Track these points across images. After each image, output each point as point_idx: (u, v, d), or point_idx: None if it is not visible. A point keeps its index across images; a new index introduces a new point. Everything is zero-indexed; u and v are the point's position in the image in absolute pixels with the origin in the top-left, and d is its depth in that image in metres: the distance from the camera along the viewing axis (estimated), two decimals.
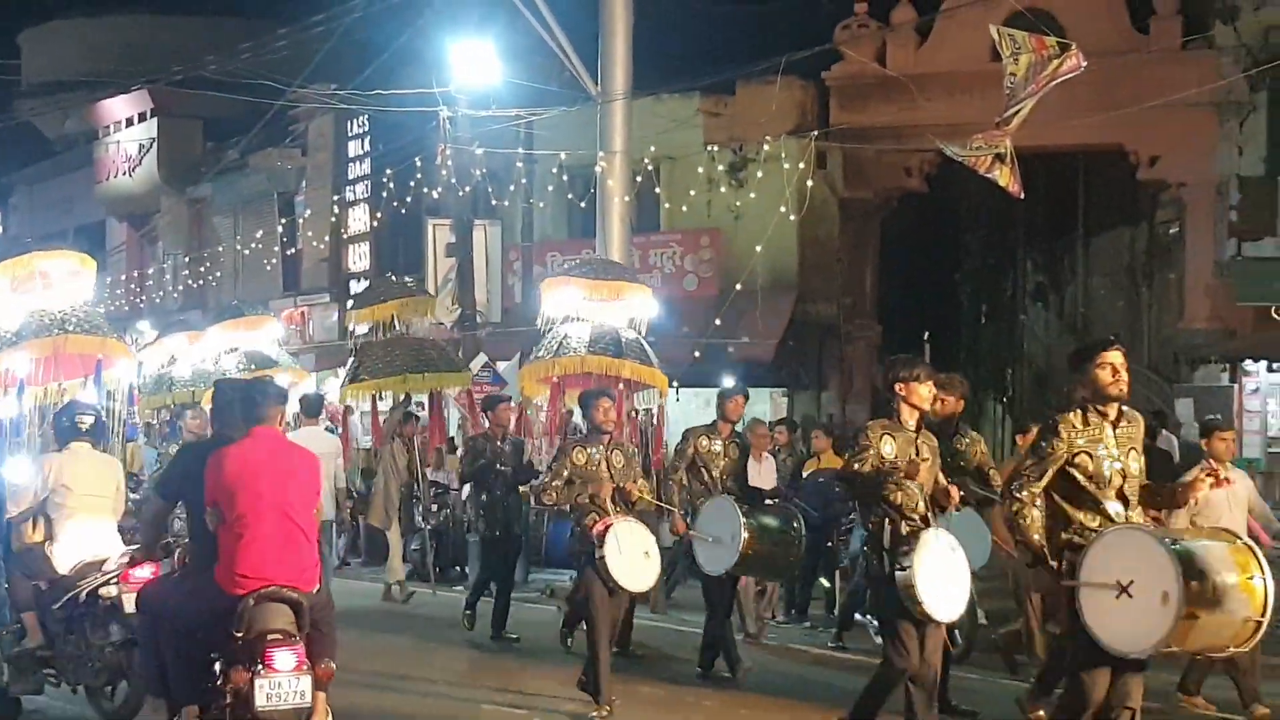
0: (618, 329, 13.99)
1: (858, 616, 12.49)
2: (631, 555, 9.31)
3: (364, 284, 26.96)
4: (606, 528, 9.27)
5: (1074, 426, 6.58)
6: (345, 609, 9.60)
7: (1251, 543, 6.30)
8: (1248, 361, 19.18)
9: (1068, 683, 6.67)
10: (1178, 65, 20.52)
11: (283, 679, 6.62)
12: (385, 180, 23.46)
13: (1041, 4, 19.77)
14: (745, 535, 9.99)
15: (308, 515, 6.96)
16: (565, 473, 9.64)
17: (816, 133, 21.07)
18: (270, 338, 17.78)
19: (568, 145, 20.88)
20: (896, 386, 7.72)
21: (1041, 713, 8.49)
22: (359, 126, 27.70)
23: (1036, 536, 6.54)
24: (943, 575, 7.48)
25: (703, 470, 10.61)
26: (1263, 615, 6.02)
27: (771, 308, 22.19)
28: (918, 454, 7.64)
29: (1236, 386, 19.63)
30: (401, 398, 16.50)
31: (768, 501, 11.00)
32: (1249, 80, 20.05)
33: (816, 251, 23.06)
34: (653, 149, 20.91)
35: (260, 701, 6.57)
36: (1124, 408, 6.67)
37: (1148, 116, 19.57)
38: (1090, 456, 6.53)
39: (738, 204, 22.91)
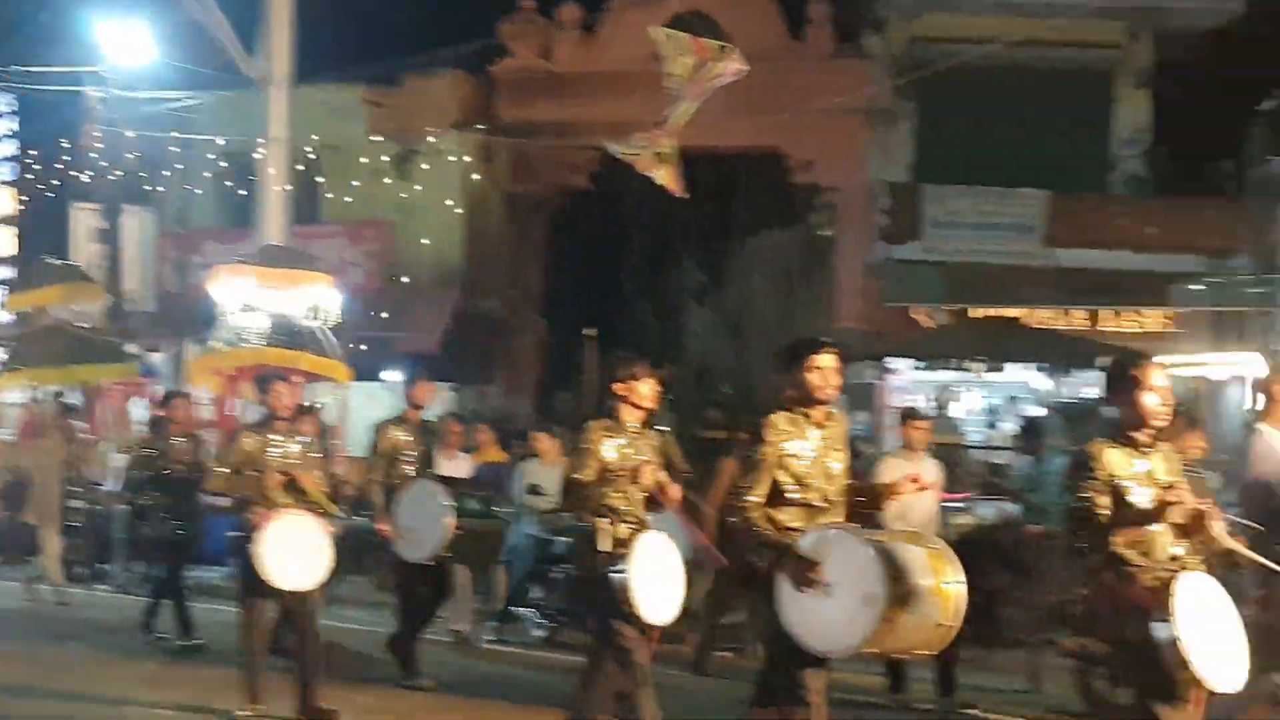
0: (296, 319, 13.63)
1: (520, 611, 12.57)
2: (297, 550, 8.78)
3: (6, 269, 25.65)
4: (266, 521, 8.73)
5: (779, 429, 6.46)
6: None
7: (944, 546, 6.33)
8: (893, 359, 20.00)
9: (768, 680, 6.48)
10: (830, 72, 21.28)
11: None
12: (29, 161, 22.35)
13: (703, 7, 20.24)
14: (449, 519, 9.78)
15: None
16: (234, 460, 9.05)
17: (483, 127, 21.06)
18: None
19: (227, 131, 20.26)
20: (617, 386, 7.59)
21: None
22: (2, 105, 26.28)
23: (775, 535, 6.36)
24: (658, 578, 7.43)
25: (397, 462, 10.27)
26: (953, 621, 6.08)
27: (437, 301, 22.05)
28: (638, 455, 7.50)
29: (882, 383, 20.45)
30: (56, 390, 15.69)
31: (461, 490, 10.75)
32: (897, 89, 20.97)
33: (483, 246, 23.03)
34: (315, 138, 20.49)
35: None
36: (830, 409, 6.58)
37: (802, 122, 20.28)
38: (795, 459, 6.43)
39: (404, 197, 22.67)
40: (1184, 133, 21.38)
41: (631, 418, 7.60)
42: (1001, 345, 19.07)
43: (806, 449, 6.46)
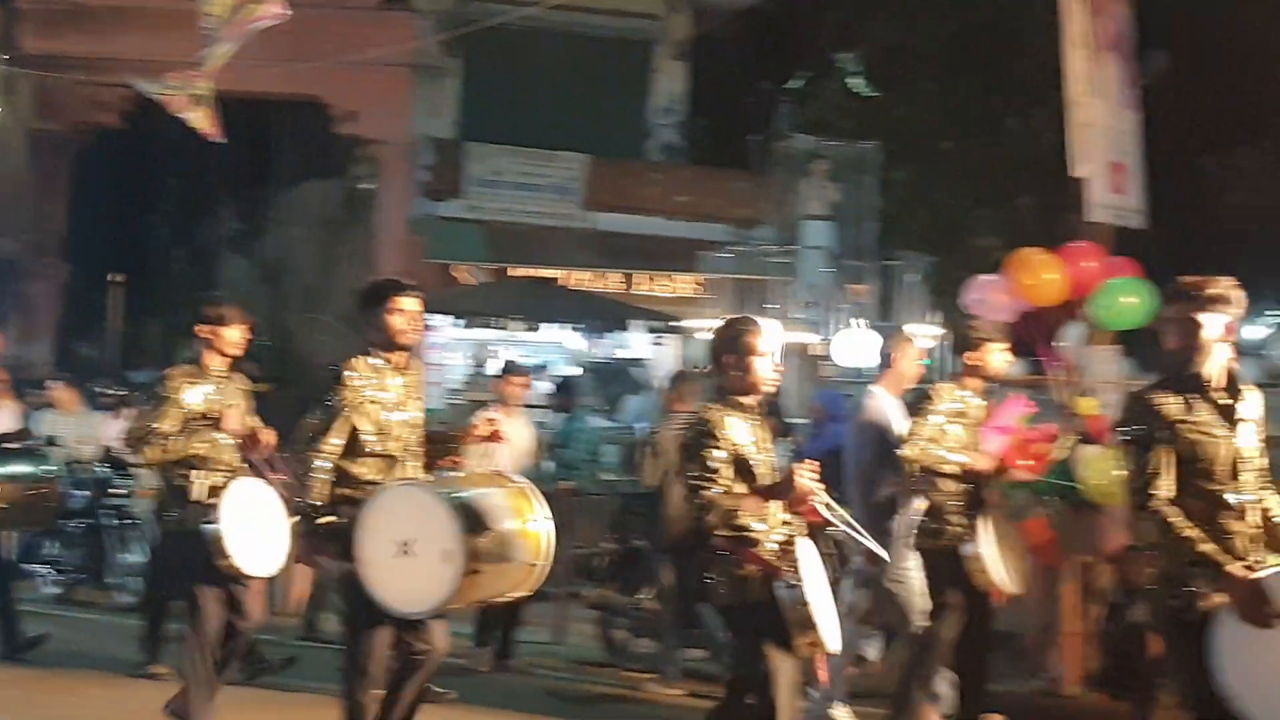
0: None
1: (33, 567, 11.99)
2: None
3: None
4: None
5: (361, 374, 6.17)
6: None
7: (528, 484, 6.17)
8: (432, 316, 20.06)
9: (348, 645, 6.19)
10: (377, 24, 21.02)
11: None
12: None
13: None
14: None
15: None
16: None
17: (6, 57, 19.80)
18: None
19: None
20: (202, 329, 7.24)
21: None
22: None
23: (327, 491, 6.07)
24: (256, 527, 7.04)
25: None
26: (543, 560, 5.96)
27: None
28: (226, 401, 7.19)
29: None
30: None
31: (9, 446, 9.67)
32: (444, 45, 20.95)
33: (1, 184, 21.67)
34: None
35: None
36: (411, 356, 6.35)
37: (347, 72, 19.97)
38: (376, 406, 6.15)
39: None
40: (717, 105, 22.32)
41: (217, 363, 7.28)
42: (539, 305, 19.45)
43: (387, 397, 6.21)
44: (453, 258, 21.07)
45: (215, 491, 7.04)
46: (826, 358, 18.04)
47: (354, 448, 6.14)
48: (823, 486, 5.64)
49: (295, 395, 19.27)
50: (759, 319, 6.16)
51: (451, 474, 6.57)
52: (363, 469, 6.15)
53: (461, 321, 19.78)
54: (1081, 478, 8.06)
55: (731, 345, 5.86)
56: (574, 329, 21.01)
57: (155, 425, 7.05)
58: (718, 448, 5.65)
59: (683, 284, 21.63)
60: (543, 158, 21.08)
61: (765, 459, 5.82)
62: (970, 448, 7.42)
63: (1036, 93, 17.26)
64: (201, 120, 13.66)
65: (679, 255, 20.88)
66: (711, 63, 22.23)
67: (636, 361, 21.00)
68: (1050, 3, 10.62)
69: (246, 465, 7.31)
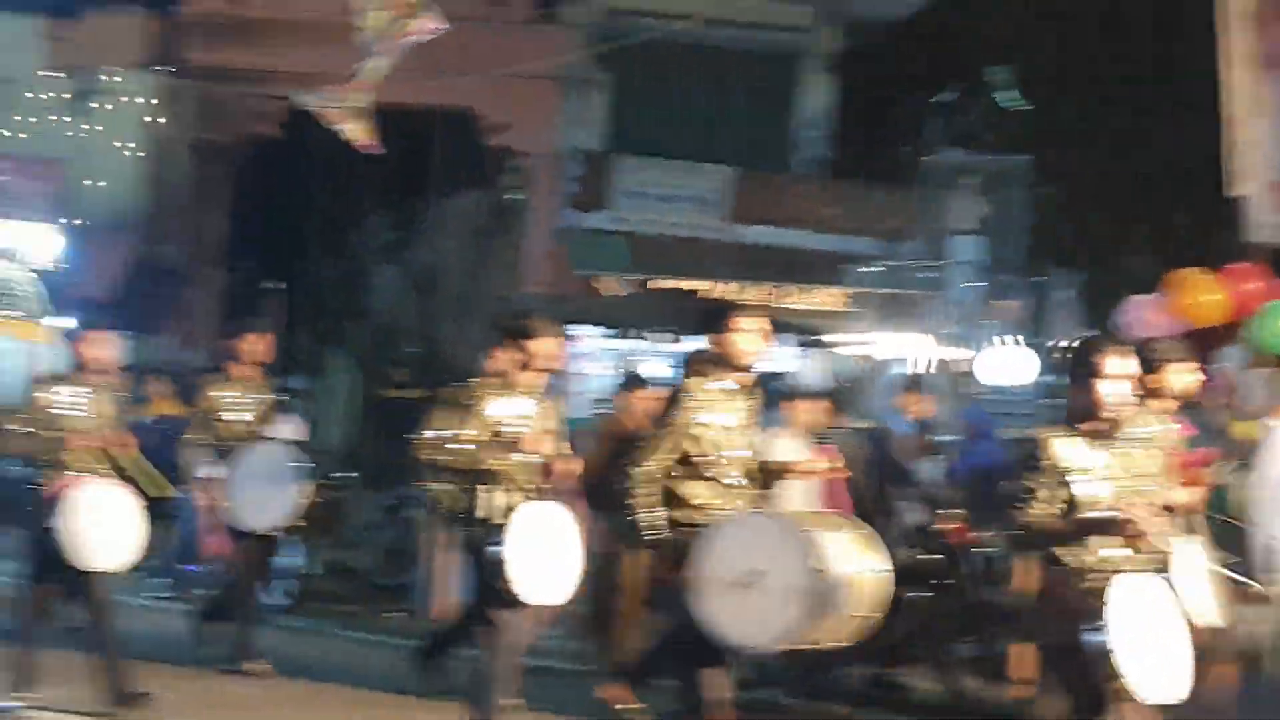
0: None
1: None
2: (103, 524, 7.59)
3: None
4: (68, 490, 7.52)
5: (697, 395, 5.94)
6: None
7: (871, 531, 5.89)
8: (577, 326, 20.20)
9: (682, 677, 5.97)
10: (528, 37, 21.29)
11: None
12: None
13: None
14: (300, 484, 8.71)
15: None
16: (30, 417, 7.77)
17: (169, 68, 20.36)
18: None
19: None
20: (508, 341, 7.00)
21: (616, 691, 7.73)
22: None
23: (652, 514, 5.84)
24: (544, 553, 6.69)
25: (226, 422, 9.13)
26: (873, 611, 5.73)
27: (115, 246, 21.26)
28: (530, 419, 6.93)
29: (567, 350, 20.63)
30: None
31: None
32: (593, 58, 21.12)
33: (163, 191, 22.27)
34: None
35: None
36: (752, 378, 6.08)
37: (499, 85, 20.25)
38: (710, 429, 5.90)
39: (80, 136, 21.71)
40: (865, 118, 22.19)
41: (525, 378, 6.92)
42: (684, 317, 19.48)
43: (724, 420, 5.92)
44: (598, 269, 21.20)
45: (503, 513, 6.71)
46: (974, 374, 17.87)
47: (686, 469, 5.88)
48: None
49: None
50: (1112, 341, 5.62)
51: (801, 508, 6.48)
52: (694, 491, 5.89)
53: (606, 332, 19.91)
54: (1238, 503, 7.88)
55: (1078, 366, 5.37)
56: None
57: (453, 434, 6.73)
58: (1041, 470, 5.18)
59: (829, 298, 21.52)
60: (689, 170, 21.14)
61: (1100, 486, 5.25)
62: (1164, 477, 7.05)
63: (1191, 108, 16.93)
64: (358, 132, 13.96)
65: (825, 269, 20.80)
66: (860, 75, 22.13)
67: (781, 375, 20.95)
68: (1207, 19, 10.42)
69: (544, 488, 6.95)
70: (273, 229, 25.21)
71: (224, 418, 9.08)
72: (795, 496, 7.73)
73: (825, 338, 19.78)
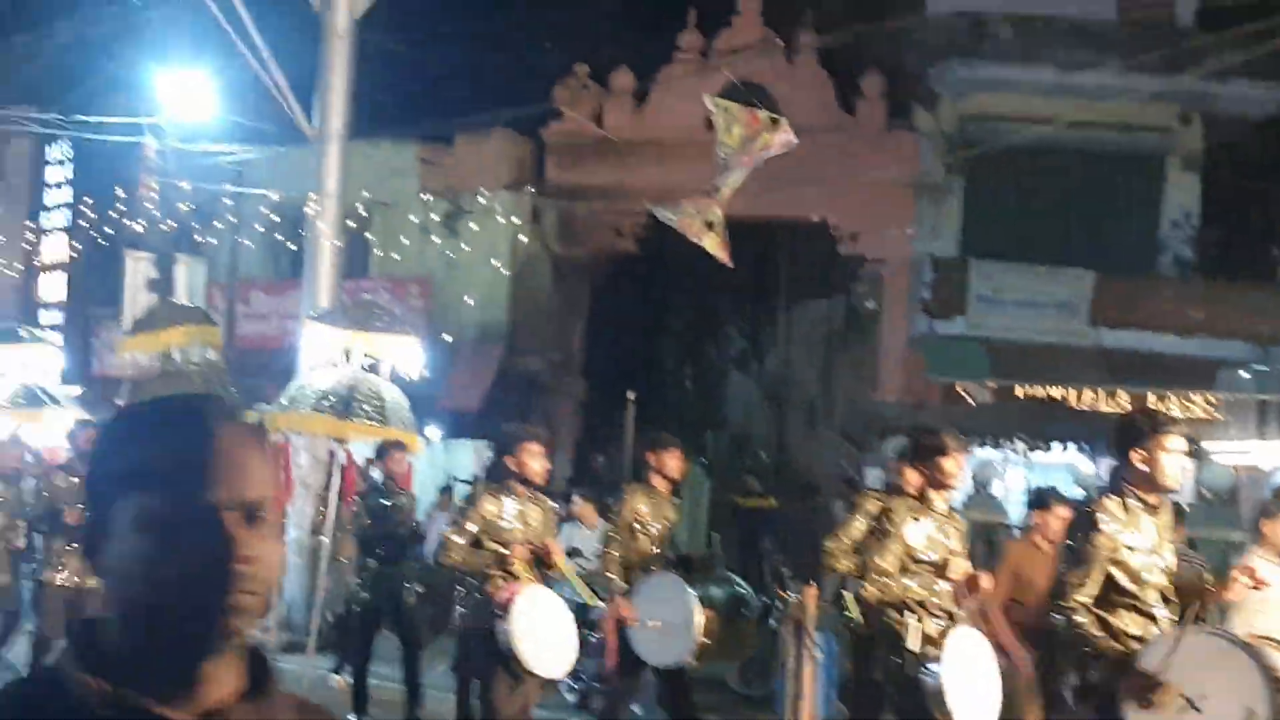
0: (363, 381, 13.06)
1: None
2: (545, 632, 7.73)
3: (56, 315, 25.93)
4: (513, 595, 7.63)
5: (1115, 517, 5.69)
6: None
7: None
8: None
9: None
10: (880, 146, 21.36)
11: None
12: (84, 209, 22.62)
13: (755, 78, 20.35)
14: (700, 618, 8.30)
15: None
16: (472, 527, 7.93)
17: (532, 188, 21.22)
18: (44, 367, 16.17)
19: (279, 185, 20.48)
20: (919, 460, 6.91)
21: None
22: (60, 152, 26.68)
23: (1102, 638, 5.56)
24: (973, 679, 6.51)
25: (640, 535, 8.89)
26: None
27: (480, 359, 22.15)
28: (947, 541, 6.78)
29: None
30: None
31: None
32: (946, 165, 21.01)
33: (527, 305, 23.13)
34: (366, 194, 20.66)
35: None
36: (1165, 497, 5.86)
37: (850, 193, 20.33)
38: (1131, 551, 5.67)
39: (450, 254, 22.83)
40: (1232, 216, 21.34)
41: (939, 497, 6.75)
42: (1045, 425, 18.97)
43: (1141, 541, 5.68)
44: (955, 376, 20.90)
45: (931, 640, 6.55)
46: None
47: (1109, 597, 5.65)
48: None
49: (797, 512, 19.59)
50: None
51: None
52: (1121, 620, 5.64)
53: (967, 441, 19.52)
54: None
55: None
56: (1079, 450, 20.38)
57: (879, 561, 6.57)
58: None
59: (1198, 404, 20.63)
60: (1047, 275, 20.70)
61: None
62: None
63: None
64: (714, 244, 14.15)
65: (1194, 374, 19.96)
66: (1225, 173, 21.31)
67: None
68: None
69: (963, 612, 6.78)
70: (630, 340, 25.85)
71: (637, 531, 8.90)
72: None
73: (1196, 445, 18.93)
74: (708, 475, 27.78)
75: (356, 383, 12.97)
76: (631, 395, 21.73)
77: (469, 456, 22.64)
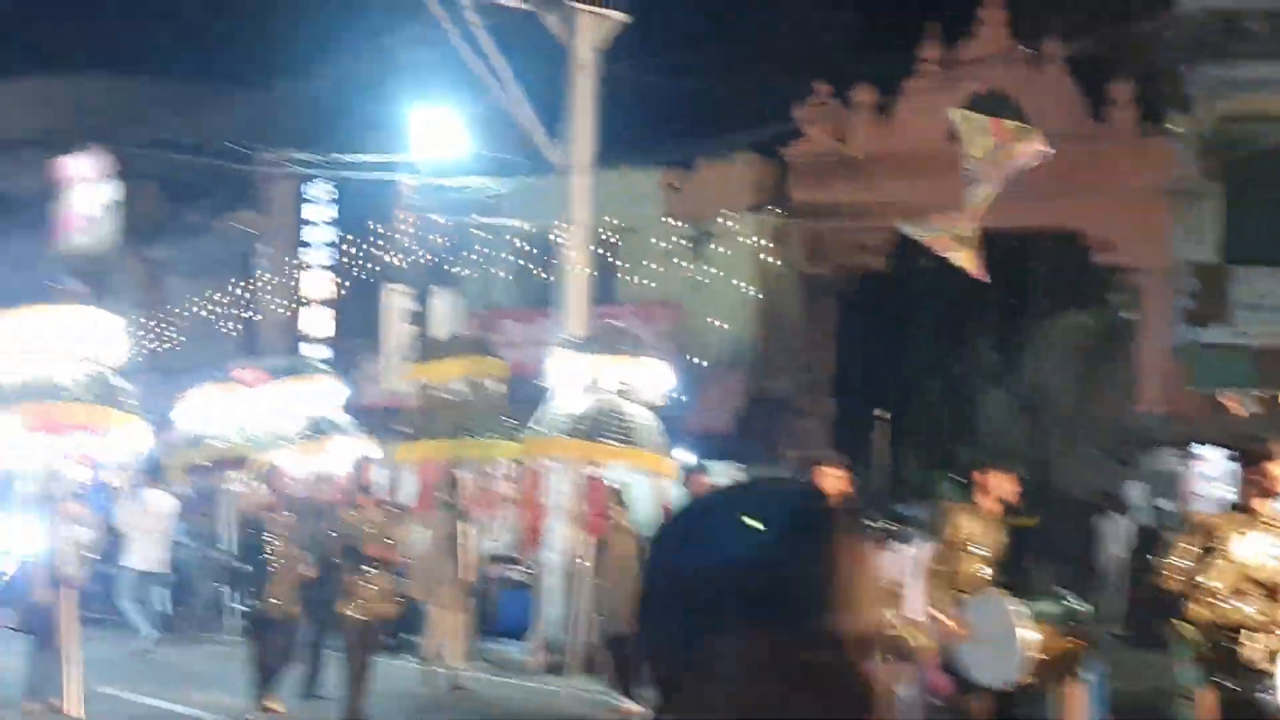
0: (612, 406, 13.23)
1: None
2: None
3: (321, 349, 26.89)
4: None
5: None
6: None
7: None
8: (1200, 447, 19.29)
9: None
10: (1133, 153, 20.80)
11: None
12: (345, 246, 23.47)
13: (1000, 87, 20.06)
14: (1030, 634, 7.95)
15: None
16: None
17: (776, 209, 21.24)
18: (329, 399, 16.64)
19: (529, 215, 20.95)
20: (1251, 469, 6.65)
21: None
22: (320, 192, 27.71)
23: None
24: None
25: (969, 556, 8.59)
26: None
27: (729, 381, 22.23)
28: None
29: (1187, 471, 19.74)
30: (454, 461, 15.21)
31: None
32: (1203, 168, 20.34)
33: (774, 326, 23.14)
34: (613, 221, 20.97)
35: None
36: None
37: (1104, 202, 19.83)
38: None
39: (696, 277, 23.00)
40: None
41: (1267, 509, 6.38)
42: None
43: None
44: (1219, 385, 20.18)
45: (1267, 658, 6.26)
46: None
47: None
48: None
49: (1056, 530, 19.15)
50: None
51: None
52: None
53: (1231, 453, 18.85)
54: None
55: None
56: None
57: (1201, 580, 6.33)
58: None
59: None
60: None
61: None
62: None
63: None
64: (966, 259, 13.98)
65: None
66: None
67: None
68: None
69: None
70: (878, 357, 25.66)
71: (966, 553, 8.62)
72: None
73: None
74: (961, 492, 27.36)
75: (606, 407, 13.12)
76: (881, 413, 21.66)
77: (720, 478, 22.78)
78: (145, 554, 17.39)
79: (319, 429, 15.68)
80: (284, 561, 11.47)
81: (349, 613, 11.05)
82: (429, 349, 16.73)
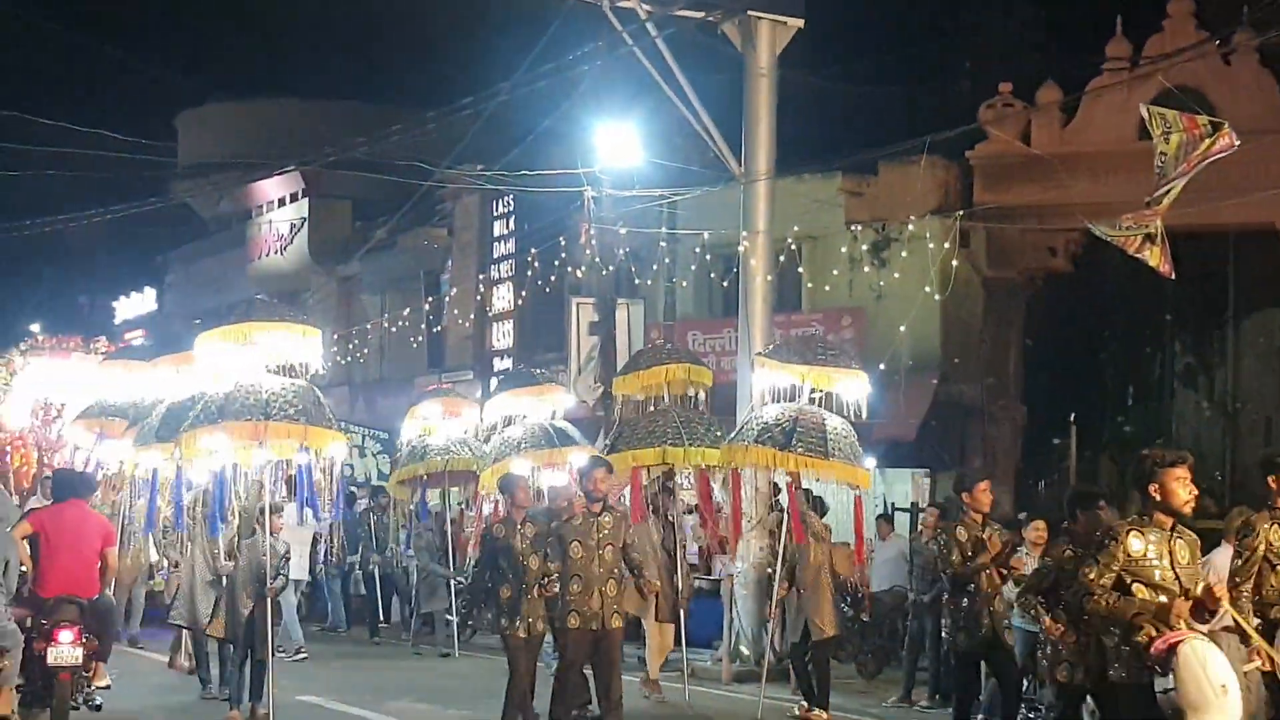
0: (807, 415, 13.15)
1: None
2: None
3: (507, 362, 27.31)
4: (1175, 644, 6.60)
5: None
6: None
7: None
8: None
9: None
10: None
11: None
12: (529, 259, 23.79)
13: (1191, 82, 19.56)
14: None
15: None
16: (1115, 567, 6.99)
17: (960, 212, 20.99)
18: (554, 408, 17.03)
19: (710, 225, 21.02)
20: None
21: None
22: (504, 206, 28.18)
23: None
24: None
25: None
26: None
27: (914, 387, 22.04)
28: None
29: None
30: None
31: None
32: None
33: (960, 331, 22.87)
34: (795, 228, 20.91)
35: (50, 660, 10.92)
36: None
37: None
38: None
39: (880, 283, 22.85)
40: None
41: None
42: None
43: None
44: None
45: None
46: None
47: None
48: None
49: None
50: None
51: None
52: None
53: None
54: None
55: None
56: None
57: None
58: None
59: None
60: None
61: None
62: None
63: None
64: (1156, 258, 13.69)
65: None
66: None
67: None
68: None
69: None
70: (1068, 361, 25.18)
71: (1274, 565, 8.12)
72: None
73: None
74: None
75: (800, 416, 13.08)
76: (1073, 418, 21.25)
77: (906, 485, 22.58)
78: (301, 565, 18.17)
79: (551, 439, 15.87)
80: (533, 576, 11.11)
81: (574, 625, 10.72)
82: (637, 358, 16.62)
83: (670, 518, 14.69)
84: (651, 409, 15.32)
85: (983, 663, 11.32)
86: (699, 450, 14.56)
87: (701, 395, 15.85)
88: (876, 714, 13.04)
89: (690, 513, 15.98)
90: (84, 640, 11.16)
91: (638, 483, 14.59)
